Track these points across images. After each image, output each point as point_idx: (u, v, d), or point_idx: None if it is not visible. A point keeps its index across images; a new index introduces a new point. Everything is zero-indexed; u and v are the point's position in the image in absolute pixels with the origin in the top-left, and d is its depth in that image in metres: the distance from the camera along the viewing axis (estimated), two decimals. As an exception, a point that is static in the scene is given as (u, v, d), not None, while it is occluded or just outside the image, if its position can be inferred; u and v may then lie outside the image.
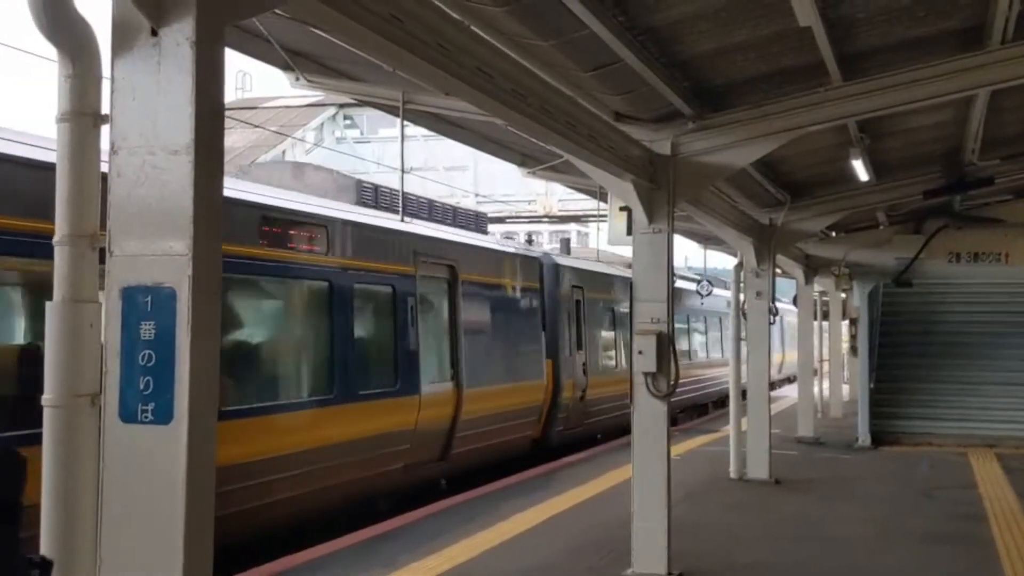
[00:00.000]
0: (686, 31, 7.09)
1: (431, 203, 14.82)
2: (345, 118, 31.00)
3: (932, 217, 16.84)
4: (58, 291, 3.72)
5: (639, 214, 8.51)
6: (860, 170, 12.00)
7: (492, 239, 16.45)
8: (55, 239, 3.74)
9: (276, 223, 9.99)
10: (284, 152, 27.59)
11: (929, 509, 11.78)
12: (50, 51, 3.75)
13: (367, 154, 27.33)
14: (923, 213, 16.75)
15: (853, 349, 24.44)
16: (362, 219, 11.77)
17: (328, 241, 10.75)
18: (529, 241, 22.08)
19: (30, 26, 3.67)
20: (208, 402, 3.51)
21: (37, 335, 6.76)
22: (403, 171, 13.81)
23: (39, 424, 3.66)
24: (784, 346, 36.39)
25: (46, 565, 2.76)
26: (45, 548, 3.60)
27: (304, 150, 28.35)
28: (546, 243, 32.04)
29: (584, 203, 24.64)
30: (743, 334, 13.97)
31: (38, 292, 7.10)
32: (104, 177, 3.64)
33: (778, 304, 17.55)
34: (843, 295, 24.24)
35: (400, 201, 13.07)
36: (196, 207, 3.39)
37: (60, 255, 3.73)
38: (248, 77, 31.25)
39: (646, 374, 8.33)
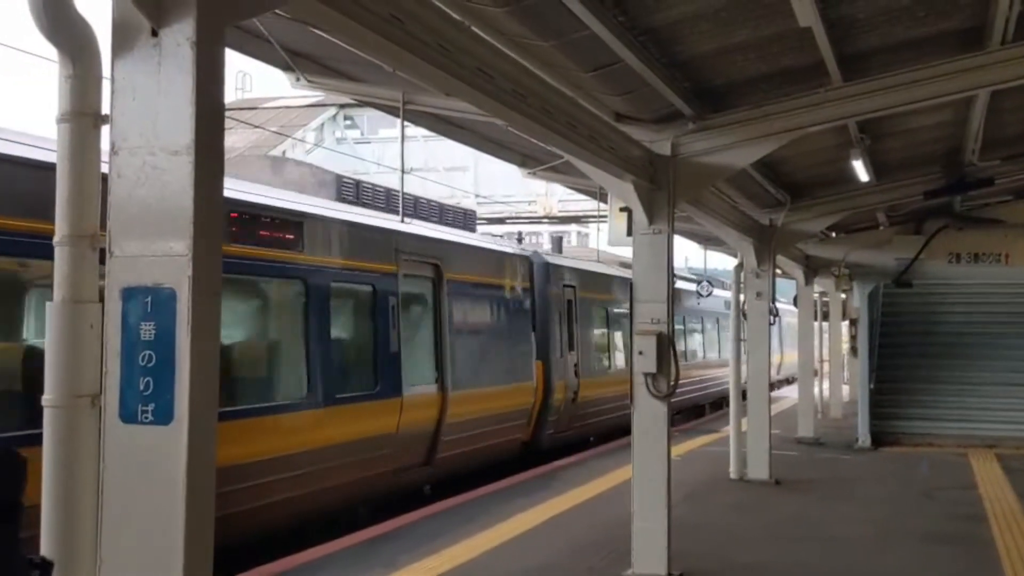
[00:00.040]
0: (686, 31, 7.09)
1: (416, 200, 14.35)
2: (345, 118, 30.99)
3: (932, 218, 16.85)
4: (58, 292, 3.73)
5: (639, 215, 8.50)
6: (860, 171, 12.01)
7: (480, 237, 16.03)
8: (55, 239, 3.74)
9: (245, 218, 9.52)
10: (284, 152, 27.58)
11: (929, 510, 11.78)
12: (50, 51, 3.75)
13: (367, 154, 27.32)
14: (923, 214, 16.75)
15: (853, 350, 24.44)
16: (340, 215, 11.38)
17: (303, 238, 10.30)
18: (520, 240, 21.62)
19: (30, 26, 3.67)
20: (208, 402, 3.51)
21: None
22: (403, 171, 13.78)
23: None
24: (783, 347, 36.32)
25: (47, 566, 2.76)
26: (45, 548, 3.60)
27: (304, 150, 28.33)
28: (546, 243, 31.98)
29: (584, 204, 24.64)
30: (743, 335, 13.96)
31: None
32: (104, 177, 3.64)
33: (778, 305, 17.41)
34: (843, 296, 24.24)
35: (400, 201, 12.95)
36: (196, 208, 3.39)
37: (60, 256, 3.74)
38: (248, 77, 31.28)
39: (646, 375, 8.33)
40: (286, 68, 8.59)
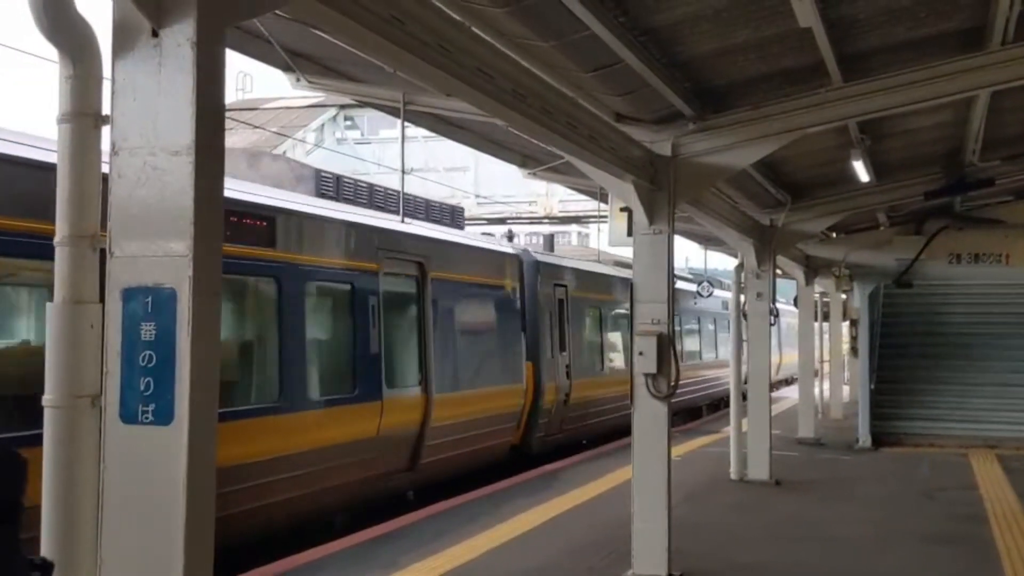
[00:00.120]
0: (687, 32, 7.09)
1: (400, 195, 13.72)
2: (346, 119, 30.99)
3: (933, 218, 16.85)
4: (59, 292, 3.73)
5: (639, 215, 8.51)
6: (861, 171, 12.01)
7: (468, 235, 15.61)
8: (56, 240, 3.74)
9: None
10: (284, 152, 27.58)
11: (930, 510, 11.78)
12: (51, 51, 3.75)
13: (367, 155, 27.32)
14: (924, 214, 16.75)
15: (854, 350, 24.43)
16: (316, 211, 10.93)
17: (275, 234, 9.88)
18: (510, 238, 21.13)
19: (31, 26, 3.67)
20: (209, 403, 3.51)
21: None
22: (403, 172, 13.73)
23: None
24: (782, 347, 36.20)
25: (47, 566, 2.76)
26: (45, 549, 3.60)
27: (305, 151, 28.33)
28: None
29: (585, 204, 24.62)
30: (743, 335, 13.96)
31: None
32: (105, 178, 3.65)
33: (778, 305, 17.36)
34: (843, 296, 24.24)
35: (400, 202, 12.87)
36: (197, 208, 3.39)
37: (61, 256, 3.74)
38: (249, 78, 31.26)
39: (646, 375, 8.32)
40: (286, 69, 8.59)
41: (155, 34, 3.44)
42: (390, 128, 26.79)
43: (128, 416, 3.43)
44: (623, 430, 18.21)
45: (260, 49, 7.85)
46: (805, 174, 13.11)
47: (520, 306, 15.57)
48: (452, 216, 15.25)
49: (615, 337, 20.46)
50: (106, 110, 3.66)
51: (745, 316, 13.95)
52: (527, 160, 12.49)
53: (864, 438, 17.35)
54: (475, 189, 27.62)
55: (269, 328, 10.01)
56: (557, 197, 27.67)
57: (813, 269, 19.08)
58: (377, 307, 11.48)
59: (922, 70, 8.22)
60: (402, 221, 12.66)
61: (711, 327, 27.37)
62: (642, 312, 8.45)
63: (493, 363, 14.57)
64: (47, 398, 3.68)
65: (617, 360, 20.24)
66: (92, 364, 3.63)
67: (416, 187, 19.81)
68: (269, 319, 10.04)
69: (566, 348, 16.99)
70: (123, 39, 3.49)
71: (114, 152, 3.50)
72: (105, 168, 3.67)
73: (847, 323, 26.53)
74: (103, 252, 3.55)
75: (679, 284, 23.23)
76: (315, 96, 24.72)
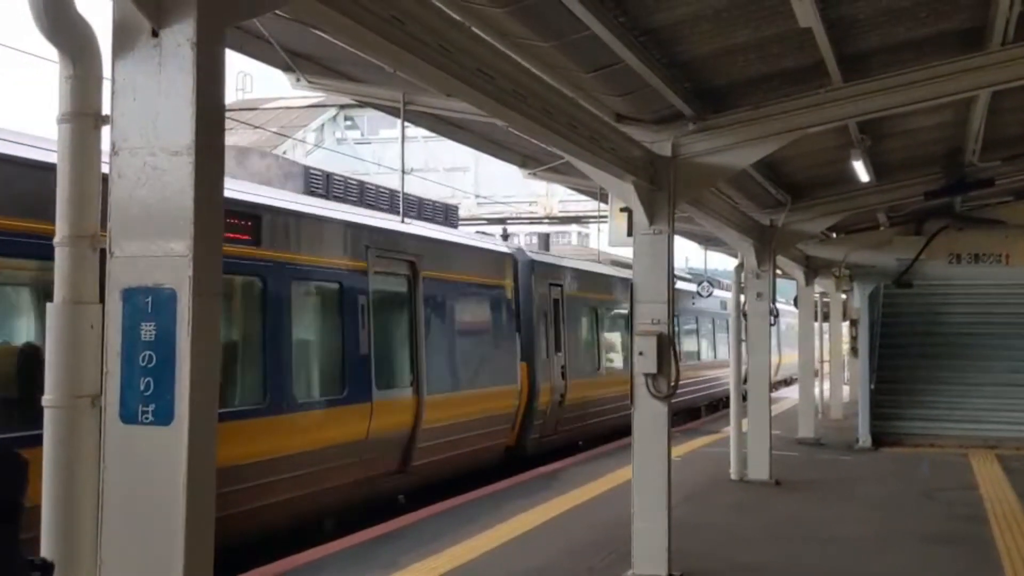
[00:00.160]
0: (687, 32, 7.09)
1: (392, 194, 13.52)
2: (346, 119, 30.99)
3: (933, 218, 16.85)
4: (59, 292, 3.73)
5: (640, 215, 8.51)
6: (861, 171, 12.01)
7: (461, 233, 15.31)
8: (55, 240, 3.74)
9: None
10: (284, 153, 27.59)
11: (930, 510, 11.78)
12: (51, 52, 3.75)
13: (367, 155, 27.32)
14: (924, 214, 16.76)
15: (854, 350, 24.42)
16: (303, 208, 10.65)
17: (260, 232, 9.66)
18: (505, 236, 20.85)
19: (31, 26, 3.67)
20: (209, 403, 3.51)
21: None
22: (403, 172, 13.70)
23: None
24: (780, 348, 36.08)
25: (48, 567, 2.76)
26: (46, 549, 3.60)
27: (305, 151, 28.34)
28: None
29: (585, 204, 24.61)
30: (743, 335, 13.96)
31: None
32: (105, 178, 3.64)
33: (778, 305, 17.29)
34: (843, 296, 24.24)
35: (400, 202, 12.78)
36: (197, 208, 3.39)
37: (61, 256, 3.74)
38: (249, 78, 31.23)
39: (646, 375, 8.32)
40: (286, 69, 8.59)
41: (155, 34, 3.44)
42: (390, 128, 26.79)
43: (128, 416, 3.43)
44: (620, 431, 18.17)
45: (260, 49, 7.86)
46: (805, 174, 13.11)
47: (514, 306, 15.34)
48: (446, 215, 15.00)
49: (612, 337, 20.32)
50: (106, 110, 3.66)
51: (745, 316, 13.95)
52: (527, 160, 12.49)
53: (864, 438, 17.35)
54: (475, 189, 27.62)
55: (253, 328, 9.81)
56: (557, 197, 27.67)
57: (813, 269, 19.08)
58: (366, 307, 11.24)
59: (922, 70, 8.22)
60: (402, 221, 12.58)
61: (709, 327, 27.27)
62: (642, 312, 8.45)
63: (487, 364, 14.33)
64: (47, 398, 3.69)
65: (614, 360, 20.10)
66: (92, 364, 3.64)
67: (416, 187, 19.78)
68: (253, 319, 9.84)
69: (562, 348, 16.78)
70: (123, 39, 3.49)
71: (114, 152, 3.50)
72: (105, 168, 3.67)
73: (847, 323, 26.52)
74: (103, 252, 3.55)
75: (676, 284, 23.10)
76: (315, 96, 24.72)
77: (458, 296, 13.75)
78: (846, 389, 25.76)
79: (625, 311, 20.32)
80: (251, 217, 9.59)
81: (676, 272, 9.00)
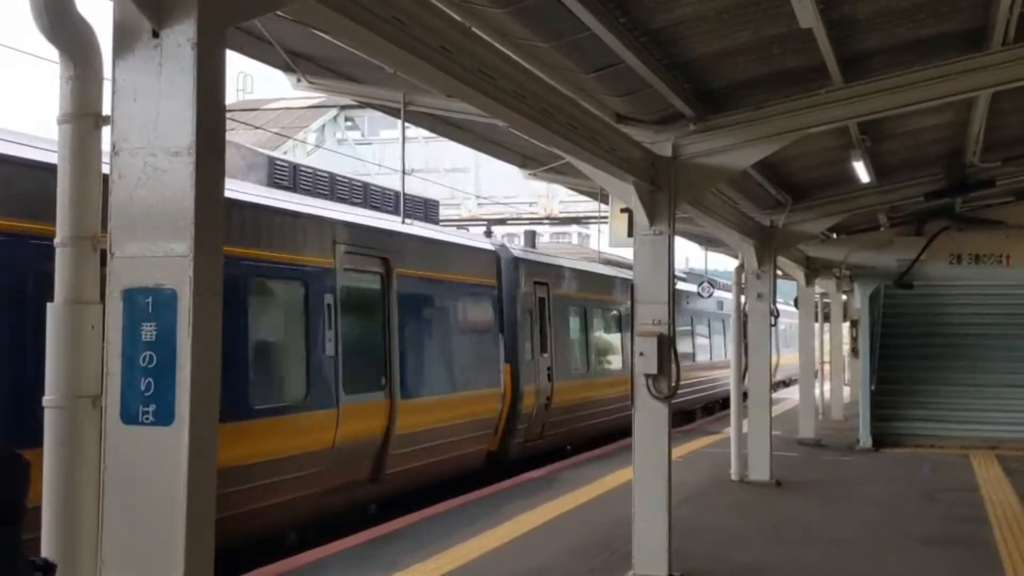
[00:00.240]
0: (687, 33, 7.09)
1: (367, 187, 12.92)
2: (346, 120, 30.98)
3: (933, 219, 16.85)
4: (59, 293, 3.73)
5: (640, 216, 8.51)
6: (861, 172, 12.01)
7: (440, 229, 14.48)
8: (56, 241, 3.75)
9: None
10: (285, 153, 27.59)
11: (930, 511, 11.78)
12: (51, 52, 3.75)
13: (368, 156, 27.32)
14: (924, 215, 16.75)
15: (854, 351, 24.42)
16: (262, 201, 9.95)
17: None
18: (488, 233, 20.19)
19: (31, 26, 3.67)
20: (209, 404, 3.51)
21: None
22: (404, 172, 13.66)
23: None
24: (779, 349, 35.89)
25: (49, 568, 2.76)
26: (46, 549, 3.60)
27: (305, 152, 28.34)
28: (546, 241, 31.89)
29: (585, 205, 24.60)
30: (743, 336, 13.95)
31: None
32: (105, 179, 3.65)
33: (778, 306, 17.21)
34: (844, 297, 24.23)
35: (401, 203, 12.65)
36: (197, 208, 3.39)
37: (61, 257, 3.74)
38: (249, 79, 31.17)
39: (647, 376, 8.32)
40: (287, 69, 8.59)
41: (156, 35, 3.44)
42: (391, 129, 26.78)
43: (129, 416, 3.43)
44: (611, 435, 18.09)
45: (260, 50, 7.85)
46: (806, 175, 13.11)
47: (498, 305, 14.72)
48: (426, 210, 14.31)
49: (602, 338, 19.95)
50: (106, 111, 3.66)
51: (746, 317, 13.94)
52: (527, 161, 12.48)
53: (865, 439, 17.35)
54: (476, 190, 27.62)
55: None
56: (558, 198, 27.65)
57: (814, 270, 19.08)
58: (333, 306, 10.59)
59: (923, 71, 8.22)
60: (403, 221, 12.48)
61: (704, 328, 27.09)
62: (642, 313, 8.45)
63: (467, 366, 13.70)
64: (48, 398, 3.69)
65: (604, 362, 19.66)
66: (93, 365, 3.64)
67: (417, 187, 19.73)
68: None
69: (548, 349, 16.17)
70: (124, 40, 3.49)
71: (115, 153, 3.51)
72: (105, 169, 3.67)
73: (847, 324, 26.52)
74: (104, 253, 3.55)
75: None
76: (316, 97, 24.69)
77: (436, 295, 13.15)
78: (847, 390, 25.75)
79: (616, 311, 20.26)
80: None
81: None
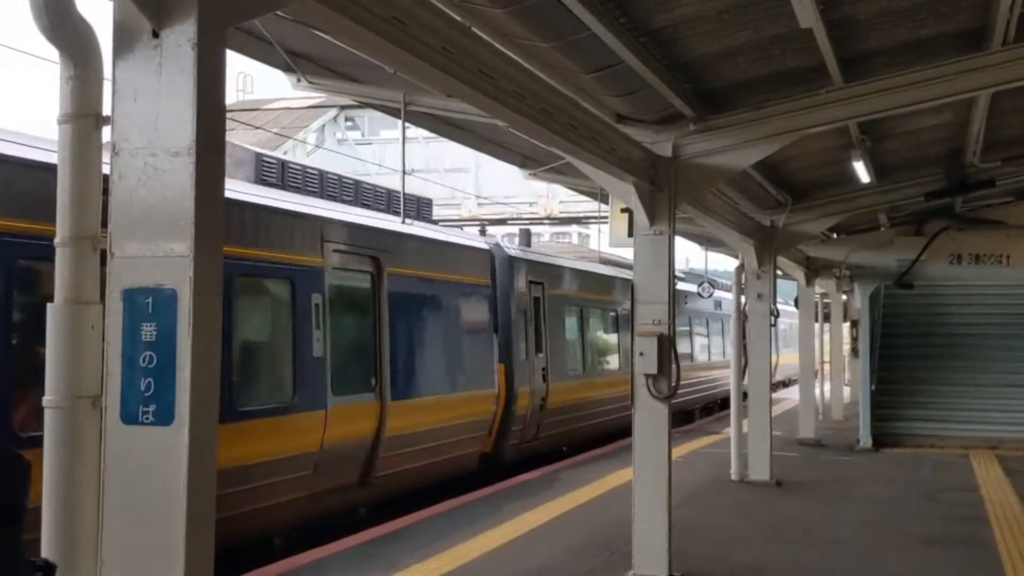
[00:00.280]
0: (687, 33, 7.09)
1: (358, 184, 12.65)
2: (346, 120, 30.99)
3: (933, 219, 16.85)
4: (59, 293, 3.73)
5: (640, 216, 8.51)
6: (861, 172, 12.01)
7: (433, 228, 14.21)
8: (56, 241, 3.75)
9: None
10: (285, 153, 27.59)
11: (931, 511, 11.78)
12: (51, 52, 3.75)
13: (368, 156, 27.32)
14: (924, 215, 16.75)
15: (854, 351, 24.41)
16: (246, 198, 9.65)
17: None
18: (483, 232, 19.99)
19: (31, 26, 3.67)
20: (209, 404, 3.51)
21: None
22: (404, 172, 13.64)
23: None
24: (777, 349, 35.73)
25: (50, 568, 2.76)
26: (46, 550, 3.60)
27: (305, 152, 28.34)
28: (547, 241, 31.86)
29: (585, 205, 24.60)
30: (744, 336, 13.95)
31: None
32: (105, 179, 3.65)
33: (778, 306, 17.15)
34: (844, 297, 24.22)
35: (401, 203, 12.60)
36: (197, 209, 3.39)
37: (61, 257, 3.74)
38: (249, 79, 31.18)
39: (647, 376, 8.32)
40: (287, 69, 8.58)
41: (156, 35, 3.44)
42: (391, 129, 26.78)
43: (129, 417, 3.43)
44: (608, 436, 18.01)
45: (261, 50, 7.85)
46: (806, 175, 13.11)
47: (491, 304, 14.51)
48: (419, 208, 14.10)
49: (599, 337, 19.80)
50: (107, 111, 3.66)
51: (746, 317, 13.94)
52: (527, 161, 12.48)
53: (865, 439, 17.35)
54: (476, 190, 27.63)
55: None
56: (558, 198, 27.67)
57: (814, 270, 19.08)
58: (322, 306, 10.36)
59: (923, 71, 8.23)
60: (403, 222, 12.44)
61: (702, 328, 26.99)
62: (643, 313, 8.45)
63: (460, 366, 13.47)
64: (48, 399, 3.69)
65: (601, 362, 19.49)
66: (93, 365, 3.64)
67: (417, 187, 19.71)
68: None
69: (543, 349, 15.96)
70: (124, 40, 3.49)
71: (115, 153, 3.51)
72: (106, 169, 3.67)
73: (848, 324, 26.50)
74: (103, 253, 3.55)
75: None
76: (316, 97, 24.70)
77: (428, 294, 12.90)
78: (847, 390, 25.75)
79: (613, 310, 20.20)
80: None
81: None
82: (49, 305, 3.74)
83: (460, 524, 10.33)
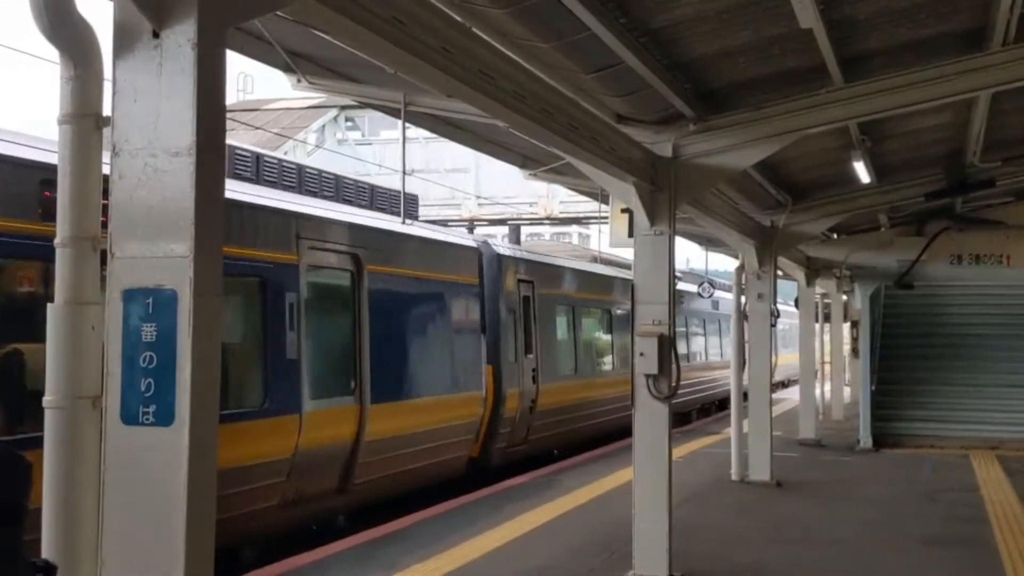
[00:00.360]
0: (687, 33, 7.09)
1: (339, 180, 12.17)
2: (347, 120, 30.98)
3: (934, 219, 16.85)
4: (59, 293, 3.73)
5: (640, 216, 8.51)
6: (862, 172, 12.01)
7: (418, 225, 13.51)
8: (56, 241, 3.75)
9: None
10: (286, 153, 27.58)
11: (931, 512, 11.77)
12: (51, 52, 3.75)
13: (368, 156, 27.31)
14: (925, 215, 16.75)
15: (854, 351, 24.41)
16: None
17: None
18: (471, 229, 19.55)
19: (31, 26, 3.67)
20: (209, 404, 3.51)
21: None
22: (404, 172, 13.59)
23: None
24: (776, 349, 35.56)
25: (50, 568, 2.75)
26: (46, 551, 3.60)
27: (306, 152, 28.34)
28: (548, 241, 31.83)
29: (585, 205, 24.60)
30: (745, 336, 13.95)
31: None
32: (106, 179, 3.64)
33: (778, 306, 17.10)
34: (844, 297, 24.22)
35: (401, 203, 12.40)
36: (197, 209, 3.39)
37: (62, 257, 3.74)
38: (250, 79, 31.14)
39: (647, 376, 8.32)
40: (287, 69, 8.58)
41: (156, 35, 3.44)
42: (391, 129, 26.77)
43: (129, 417, 3.43)
44: (601, 438, 17.87)
45: (261, 50, 7.85)
46: (806, 175, 13.11)
47: (479, 304, 14.09)
48: (405, 204, 13.49)
49: (592, 338, 19.57)
50: (107, 111, 3.66)
51: (746, 317, 13.94)
52: (528, 161, 12.47)
53: (865, 439, 17.35)
54: (476, 190, 27.62)
55: None
56: (558, 198, 27.66)
57: (814, 270, 19.08)
58: (296, 305, 9.95)
59: (923, 71, 8.23)
60: (403, 222, 12.33)
61: (699, 328, 26.90)
62: (643, 313, 8.45)
63: (445, 368, 13.06)
64: (48, 399, 3.69)
65: (593, 363, 19.19)
66: (93, 365, 3.64)
67: (417, 188, 19.70)
68: None
69: (533, 350, 15.51)
70: (124, 40, 3.49)
71: (115, 153, 3.51)
72: (106, 169, 3.67)
73: (848, 324, 26.50)
74: (103, 253, 3.55)
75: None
76: (316, 97, 24.71)
77: (412, 293, 12.47)
78: (847, 390, 25.75)
79: (607, 310, 20.10)
80: None
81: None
82: (49, 305, 3.75)
83: (460, 524, 10.33)
